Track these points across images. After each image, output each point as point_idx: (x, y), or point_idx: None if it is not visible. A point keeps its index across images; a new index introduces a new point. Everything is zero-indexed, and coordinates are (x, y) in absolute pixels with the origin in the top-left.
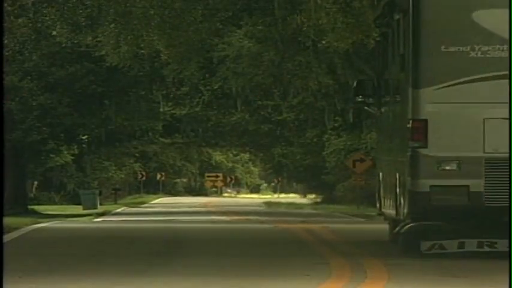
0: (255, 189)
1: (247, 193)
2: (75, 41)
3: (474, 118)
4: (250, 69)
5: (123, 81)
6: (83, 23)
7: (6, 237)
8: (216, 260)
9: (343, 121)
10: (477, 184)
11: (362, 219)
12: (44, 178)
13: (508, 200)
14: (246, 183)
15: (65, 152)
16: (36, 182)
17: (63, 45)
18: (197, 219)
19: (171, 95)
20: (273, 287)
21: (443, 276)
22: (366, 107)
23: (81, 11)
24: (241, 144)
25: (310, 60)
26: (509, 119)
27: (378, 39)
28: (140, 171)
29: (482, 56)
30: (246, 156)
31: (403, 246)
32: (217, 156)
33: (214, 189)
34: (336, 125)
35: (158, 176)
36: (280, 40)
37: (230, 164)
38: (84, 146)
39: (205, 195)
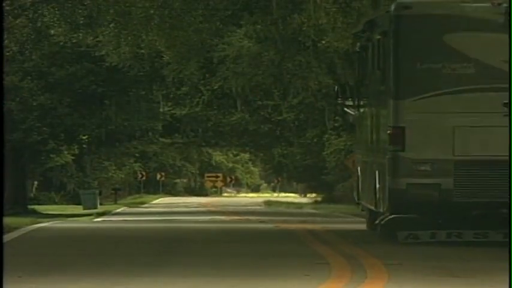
0: (255, 189)
1: (247, 193)
2: (74, 41)
3: (445, 126)
4: (250, 69)
5: (123, 81)
6: (81, 22)
7: (6, 237)
8: (216, 260)
9: (343, 121)
10: (448, 182)
11: (362, 219)
12: (44, 178)
13: (475, 196)
14: (246, 183)
15: (65, 152)
16: (36, 182)
17: (62, 43)
18: (197, 219)
19: (171, 95)
20: (273, 287)
21: (443, 276)
22: (345, 108)
23: (80, 11)
24: (241, 144)
25: (310, 60)
26: (509, 119)
27: (357, 49)
28: (140, 171)
29: (452, 72)
30: (246, 156)
31: (382, 236)
32: (217, 157)
33: (214, 189)
34: (336, 125)
35: (158, 176)
36: (280, 40)
37: (230, 164)
38: (84, 146)
39: (205, 195)
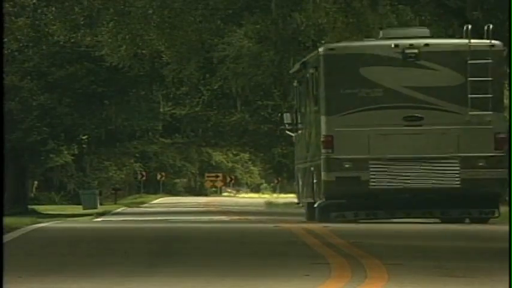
0: (255, 189)
1: (246, 193)
2: (73, 40)
3: (362, 134)
4: (250, 69)
5: (123, 81)
6: (82, 22)
7: (6, 237)
8: (216, 259)
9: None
10: (365, 175)
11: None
12: (44, 178)
13: (386, 185)
14: (246, 183)
15: (65, 152)
16: (36, 182)
17: (61, 42)
18: (197, 219)
19: (171, 95)
20: (273, 287)
21: (443, 276)
22: (287, 132)
23: (80, 11)
24: (241, 144)
25: None
26: (509, 119)
27: (295, 84)
28: (140, 171)
29: (366, 95)
30: (246, 156)
31: (319, 217)
32: (217, 156)
33: (214, 189)
34: None
35: (158, 176)
36: (280, 40)
37: (230, 164)
38: (84, 146)
39: (205, 195)
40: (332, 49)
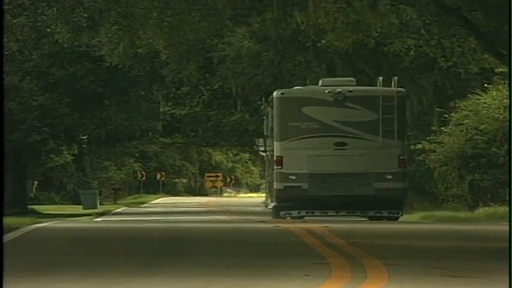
0: (255, 189)
1: (246, 193)
2: (76, 43)
3: (303, 155)
4: (250, 69)
5: (123, 81)
6: (85, 24)
7: (6, 237)
8: (216, 259)
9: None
10: (305, 185)
11: (362, 219)
12: (44, 178)
13: (320, 192)
14: (246, 183)
15: (65, 152)
16: (36, 182)
17: (65, 46)
18: (197, 219)
19: (171, 95)
20: (273, 287)
21: (443, 276)
22: (260, 152)
23: (81, 12)
24: (241, 144)
25: (310, 60)
26: (510, 119)
27: (263, 117)
28: (140, 171)
29: (306, 127)
30: (246, 156)
31: (272, 215)
32: (217, 156)
33: (214, 189)
34: None
35: (158, 176)
36: (280, 40)
37: (230, 164)
38: (84, 146)
39: (205, 195)
40: (283, 93)
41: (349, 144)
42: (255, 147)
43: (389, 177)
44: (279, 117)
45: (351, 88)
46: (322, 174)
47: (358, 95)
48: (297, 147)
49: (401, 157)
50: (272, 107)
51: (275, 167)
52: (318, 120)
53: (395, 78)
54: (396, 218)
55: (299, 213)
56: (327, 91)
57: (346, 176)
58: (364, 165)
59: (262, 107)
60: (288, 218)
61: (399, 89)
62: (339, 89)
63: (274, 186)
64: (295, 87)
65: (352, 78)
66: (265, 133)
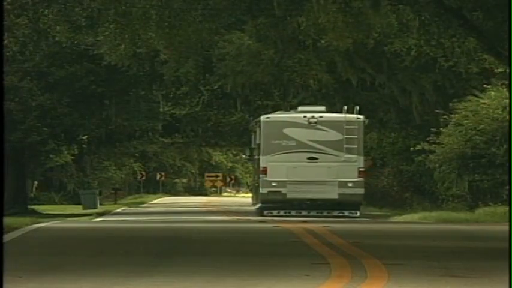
0: None
1: (246, 192)
2: (76, 42)
3: (283, 166)
4: (250, 68)
5: (123, 81)
6: (84, 23)
7: (6, 237)
8: (216, 259)
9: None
10: (285, 190)
11: (362, 219)
12: (44, 178)
13: (297, 196)
14: (246, 183)
15: (65, 152)
16: (36, 182)
17: (64, 45)
18: (197, 219)
19: (171, 95)
20: (273, 287)
21: (443, 276)
22: (249, 162)
23: (81, 11)
24: (241, 144)
25: (309, 58)
26: (509, 119)
27: (252, 135)
28: (140, 171)
29: (286, 144)
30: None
31: (257, 214)
32: (217, 156)
33: (214, 189)
34: None
35: (158, 176)
36: (280, 39)
37: (230, 164)
38: (84, 146)
39: (205, 195)
40: (268, 117)
41: (319, 158)
42: (243, 155)
43: (350, 185)
44: (264, 136)
45: (322, 114)
46: (298, 182)
47: (327, 119)
48: (278, 160)
49: (360, 169)
50: (260, 127)
51: (261, 176)
52: (295, 139)
53: (357, 107)
54: (355, 217)
55: (279, 212)
56: (303, 116)
57: (316, 183)
58: (330, 175)
59: (250, 125)
60: (269, 215)
61: (359, 116)
62: (312, 115)
63: (260, 191)
64: (278, 112)
65: (323, 107)
66: (252, 146)
